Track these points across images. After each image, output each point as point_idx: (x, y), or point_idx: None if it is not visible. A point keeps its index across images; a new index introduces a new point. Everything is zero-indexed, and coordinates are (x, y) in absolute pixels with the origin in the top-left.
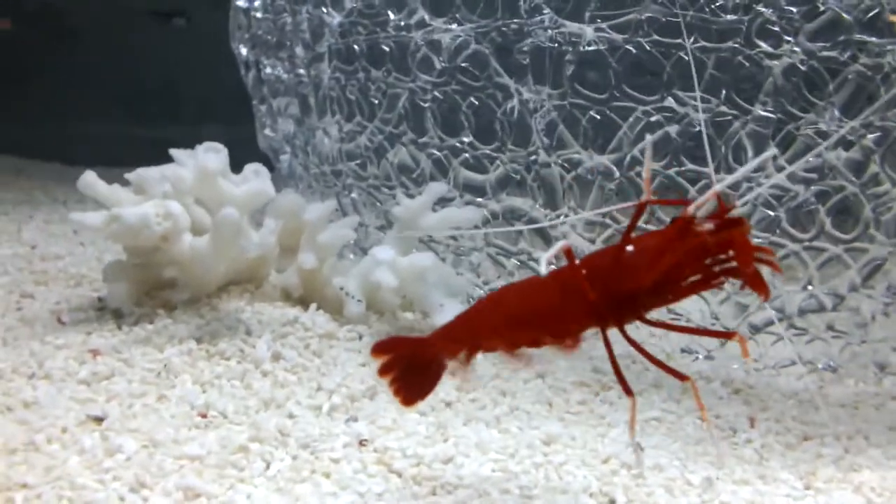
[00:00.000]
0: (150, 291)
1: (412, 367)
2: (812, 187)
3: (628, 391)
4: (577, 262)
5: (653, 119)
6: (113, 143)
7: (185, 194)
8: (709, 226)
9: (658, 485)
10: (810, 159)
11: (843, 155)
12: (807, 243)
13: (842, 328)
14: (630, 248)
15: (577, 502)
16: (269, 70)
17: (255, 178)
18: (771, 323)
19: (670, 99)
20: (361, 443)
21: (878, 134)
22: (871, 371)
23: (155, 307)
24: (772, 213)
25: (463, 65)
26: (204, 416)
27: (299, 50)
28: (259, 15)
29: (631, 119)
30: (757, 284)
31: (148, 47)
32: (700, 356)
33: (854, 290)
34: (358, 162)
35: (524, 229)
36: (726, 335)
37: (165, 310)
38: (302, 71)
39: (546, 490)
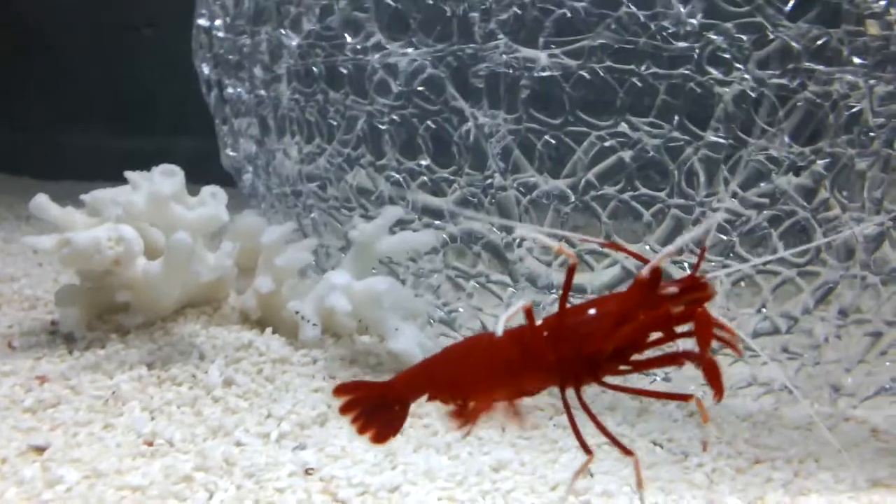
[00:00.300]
0: (104, 315)
1: (376, 408)
2: (764, 212)
3: (587, 450)
4: (537, 322)
5: (606, 144)
6: (86, 155)
7: (137, 219)
8: (672, 289)
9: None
10: (762, 185)
11: (794, 180)
12: (760, 267)
13: (796, 350)
14: (592, 310)
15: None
16: (230, 90)
17: (211, 200)
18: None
19: (624, 124)
20: (307, 471)
21: (827, 160)
22: (826, 392)
23: (108, 332)
24: (725, 238)
25: (419, 88)
26: (150, 444)
27: (258, 71)
28: (221, 34)
29: (585, 144)
30: (713, 379)
31: (121, 59)
32: (658, 378)
33: (807, 312)
34: (318, 183)
35: (482, 253)
36: (684, 398)
37: (118, 334)
38: (262, 92)
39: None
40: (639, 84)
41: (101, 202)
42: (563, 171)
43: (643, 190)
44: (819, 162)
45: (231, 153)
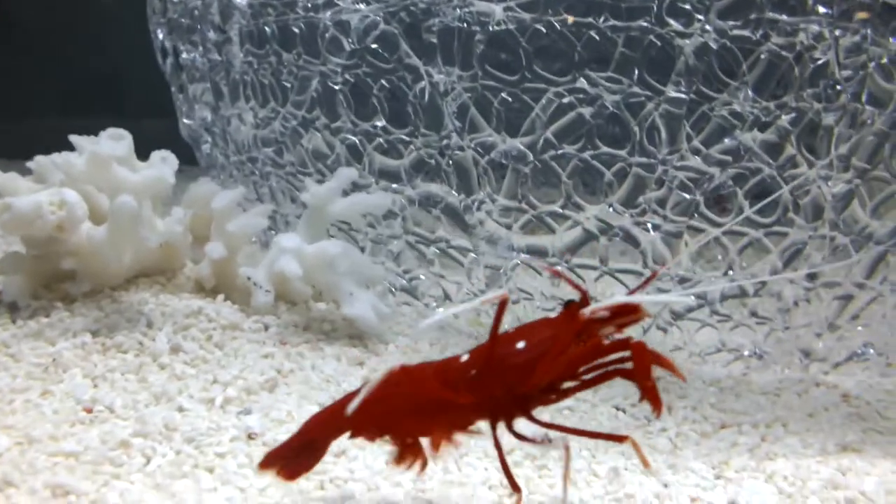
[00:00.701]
0: (50, 284)
1: (296, 456)
2: (728, 170)
3: (516, 488)
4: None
5: (565, 101)
6: (52, 136)
7: (77, 181)
8: (603, 313)
9: (560, 476)
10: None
11: (759, 136)
12: (726, 228)
13: (765, 314)
14: (522, 343)
15: (475, 495)
16: (185, 55)
17: (158, 163)
18: (693, 309)
19: (582, 80)
20: (250, 436)
21: (792, 115)
22: (797, 358)
23: (53, 300)
24: (688, 196)
25: (373, 46)
26: (89, 411)
27: (210, 33)
28: None
29: (543, 101)
30: (653, 398)
31: (85, 38)
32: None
33: (775, 274)
34: (273, 149)
35: (441, 217)
36: (618, 438)
37: (64, 303)
38: (215, 56)
39: (443, 483)
40: (597, 38)
41: (45, 167)
42: (520, 130)
43: (604, 149)
44: (784, 117)
45: (187, 121)
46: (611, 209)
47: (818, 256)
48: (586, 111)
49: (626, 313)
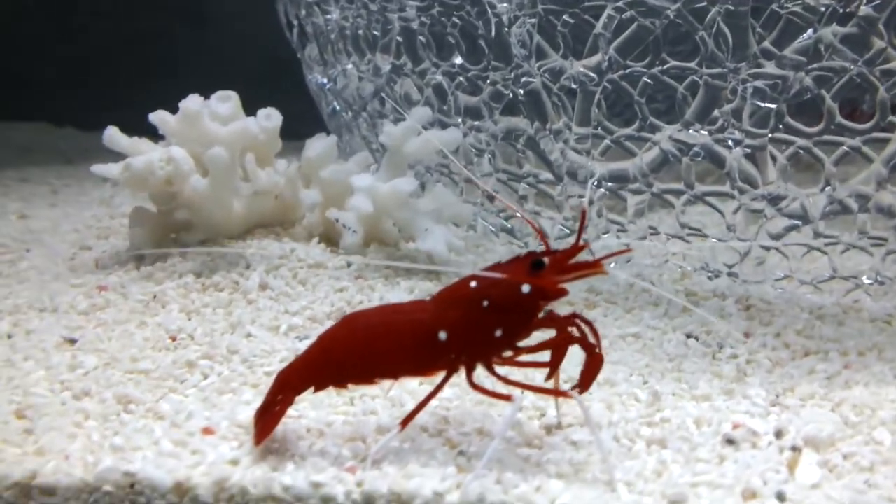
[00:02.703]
0: (174, 234)
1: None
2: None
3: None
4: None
5: (625, 16)
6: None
7: (173, 137)
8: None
9: (600, 399)
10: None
11: (840, 30)
12: (816, 138)
13: (877, 234)
14: (486, 301)
15: (494, 414)
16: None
17: (240, 114)
18: (792, 228)
19: None
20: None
21: (876, 2)
22: None
23: (173, 248)
24: (770, 106)
25: None
26: (174, 339)
27: None
28: None
29: (604, 18)
30: (590, 374)
31: None
32: (723, 273)
33: (882, 187)
34: (377, 99)
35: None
36: (562, 394)
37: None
38: (318, 19)
39: (472, 402)
40: None
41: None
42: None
43: (672, 62)
44: (865, 5)
45: (311, 79)
46: (689, 129)
47: None
48: (647, 22)
49: (585, 267)
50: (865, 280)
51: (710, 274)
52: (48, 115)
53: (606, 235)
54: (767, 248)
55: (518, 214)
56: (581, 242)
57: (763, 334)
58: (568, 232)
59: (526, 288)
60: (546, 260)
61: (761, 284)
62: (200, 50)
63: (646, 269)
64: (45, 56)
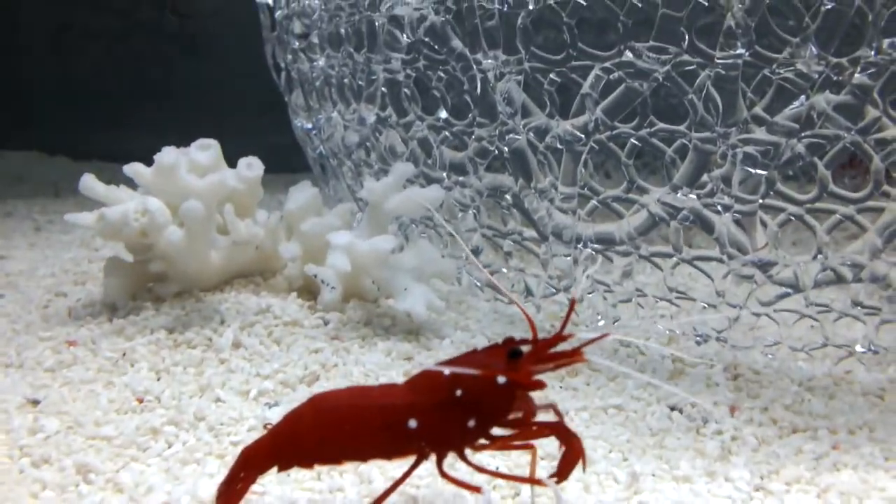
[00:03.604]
0: (149, 286)
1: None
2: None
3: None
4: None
5: (612, 77)
6: None
7: (149, 189)
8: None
9: (577, 479)
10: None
11: (833, 98)
12: (809, 205)
13: (871, 303)
14: (459, 391)
15: (463, 493)
16: (286, 66)
17: (218, 167)
18: (784, 296)
19: (628, 53)
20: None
21: (870, 70)
22: None
23: (147, 301)
24: (760, 172)
25: (425, 39)
26: (140, 401)
27: (295, 43)
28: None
29: (591, 78)
30: (567, 464)
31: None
32: (711, 338)
33: (876, 256)
34: (362, 149)
35: (511, 209)
36: (536, 482)
37: (155, 303)
38: (303, 65)
39: (444, 481)
40: (638, 4)
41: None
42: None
43: (660, 125)
44: (859, 73)
45: (297, 123)
46: (678, 193)
47: None
48: (636, 84)
49: (565, 356)
50: (859, 349)
51: (698, 338)
52: (41, 144)
53: (591, 295)
54: (758, 315)
55: (509, 300)
56: (565, 332)
57: (750, 408)
58: (554, 291)
59: (502, 379)
60: (524, 349)
61: (751, 350)
62: (198, 81)
63: (633, 331)
64: (38, 85)
